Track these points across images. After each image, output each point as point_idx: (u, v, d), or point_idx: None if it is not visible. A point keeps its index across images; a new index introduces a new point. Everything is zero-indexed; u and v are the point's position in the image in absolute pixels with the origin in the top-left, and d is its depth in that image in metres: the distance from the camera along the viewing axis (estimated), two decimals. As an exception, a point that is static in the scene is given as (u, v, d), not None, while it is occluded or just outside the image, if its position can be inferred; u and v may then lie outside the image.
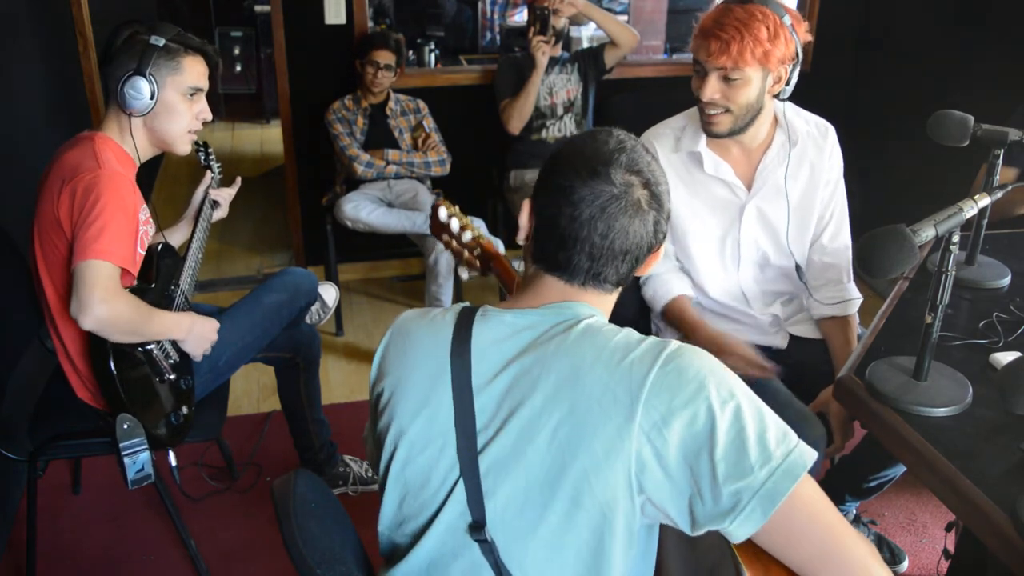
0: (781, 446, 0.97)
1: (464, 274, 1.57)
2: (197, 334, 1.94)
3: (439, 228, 1.56)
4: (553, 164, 1.11)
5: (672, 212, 1.91)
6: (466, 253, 1.54)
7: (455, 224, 1.53)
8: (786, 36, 1.73)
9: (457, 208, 1.56)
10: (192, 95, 1.89)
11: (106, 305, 1.66)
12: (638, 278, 1.97)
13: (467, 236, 1.53)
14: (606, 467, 0.99)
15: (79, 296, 1.66)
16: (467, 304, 1.17)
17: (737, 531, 0.97)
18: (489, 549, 1.06)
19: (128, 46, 1.82)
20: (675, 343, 1.04)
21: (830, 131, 1.95)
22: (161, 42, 1.82)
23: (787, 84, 1.80)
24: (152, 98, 1.82)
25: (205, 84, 1.91)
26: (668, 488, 0.99)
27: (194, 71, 1.88)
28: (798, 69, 1.80)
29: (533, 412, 1.03)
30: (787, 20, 1.74)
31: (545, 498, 1.03)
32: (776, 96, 1.83)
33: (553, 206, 1.08)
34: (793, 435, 1.00)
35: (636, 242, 1.08)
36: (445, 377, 1.09)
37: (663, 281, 1.99)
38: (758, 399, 1.01)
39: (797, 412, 1.77)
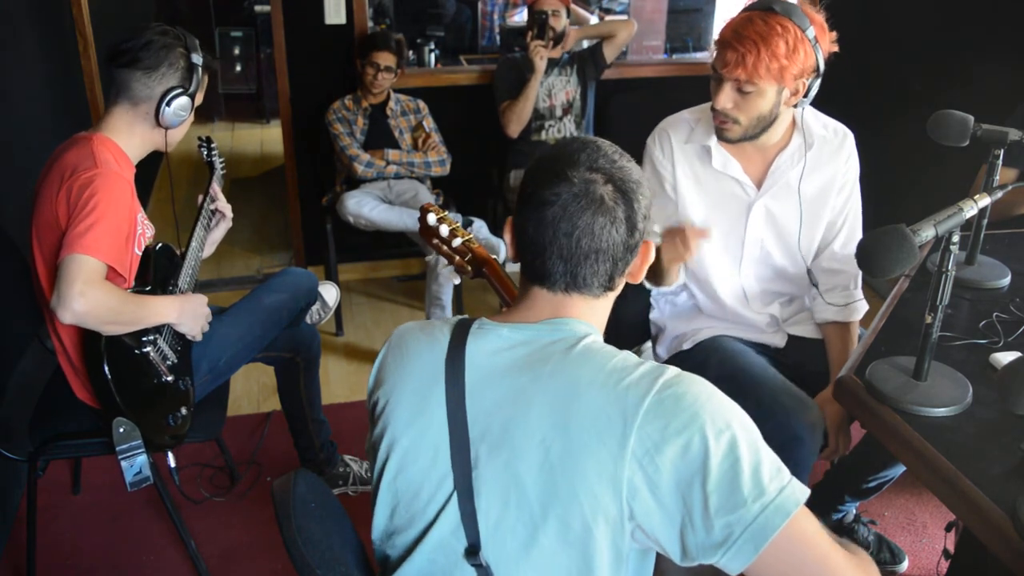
0: (775, 481, 0.96)
1: (455, 279, 1.56)
2: (189, 313, 1.93)
3: (429, 233, 1.55)
4: (524, 176, 1.12)
5: (681, 202, 1.93)
6: (456, 258, 1.53)
7: (444, 229, 1.53)
8: (807, 50, 1.70)
9: (446, 213, 1.55)
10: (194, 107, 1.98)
11: (83, 299, 1.65)
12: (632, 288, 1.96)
13: (457, 241, 1.52)
14: (598, 490, 0.98)
15: (58, 290, 1.66)
16: (465, 316, 1.17)
17: (729, 564, 0.96)
18: (485, 573, 1.06)
19: (169, 59, 1.86)
20: (673, 369, 1.03)
21: (848, 137, 1.94)
22: (201, 61, 1.91)
23: (805, 96, 1.78)
24: (188, 115, 1.92)
25: None
26: (659, 516, 0.98)
27: (204, 89, 1.98)
28: (819, 81, 1.77)
29: (527, 430, 1.03)
30: (811, 32, 1.71)
31: (536, 519, 1.02)
32: (794, 106, 1.81)
33: (522, 215, 1.09)
34: (787, 471, 0.99)
35: (607, 240, 1.07)
36: (439, 388, 1.09)
37: None
38: (756, 431, 1.00)
39: (793, 397, 1.77)
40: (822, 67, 1.75)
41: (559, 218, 1.05)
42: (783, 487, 0.96)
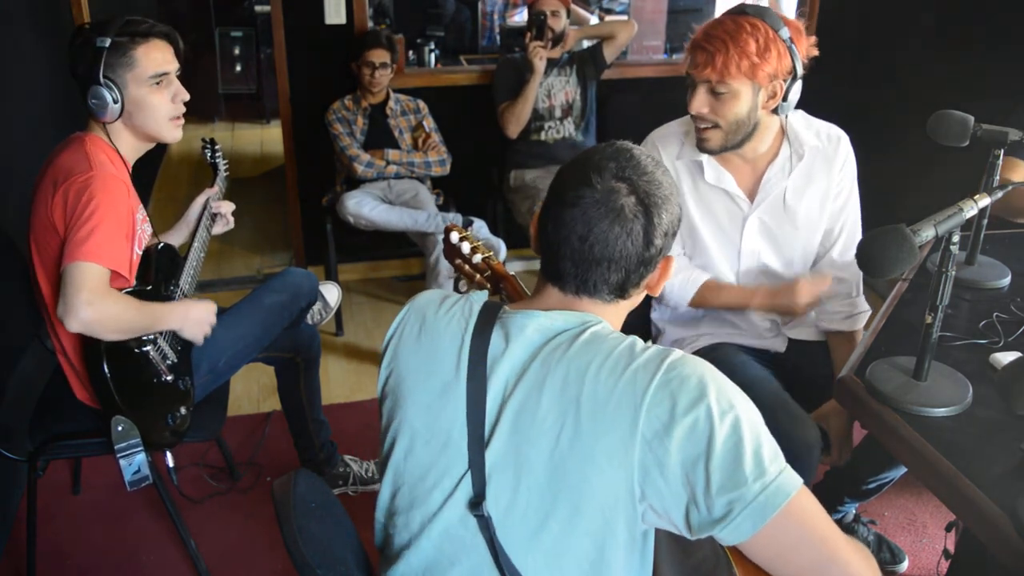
0: (775, 463, 0.98)
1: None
2: (193, 319, 1.91)
3: (452, 252, 1.59)
4: (558, 172, 1.13)
5: (683, 216, 1.91)
6: (478, 276, 1.55)
7: (466, 246, 1.56)
8: (780, 51, 1.68)
9: (468, 231, 1.59)
10: (158, 82, 1.83)
11: (92, 308, 1.65)
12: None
13: (477, 258, 1.56)
14: (609, 473, 0.99)
15: (65, 298, 1.65)
16: (488, 299, 1.17)
17: (726, 538, 0.98)
18: (486, 525, 1.06)
19: (80, 54, 1.79)
20: (678, 352, 1.04)
21: (843, 140, 1.89)
22: (107, 42, 1.76)
23: (784, 100, 1.75)
24: (117, 102, 1.79)
25: (169, 67, 1.84)
26: (668, 495, 0.99)
27: (150, 59, 1.80)
28: (797, 84, 1.74)
29: (537, 417, 1.04)
30: (784, 33, 1.69)
31: (547, 504, 1.03)
32: (775, 111, 1.78)
33: (546, 211, 1.11)
34: (783, 458, 1.00)
35: (620, 250, 1.07)
36: (461, 377, 1.10)
37: (683, 277, 1.94)
38: (756, 413, 1.02)
39: (791, 415, 1.76)
40: (799, 70, 1.73)
41: (576, 221, 1.06)
42: (783, 469, 0.98)
